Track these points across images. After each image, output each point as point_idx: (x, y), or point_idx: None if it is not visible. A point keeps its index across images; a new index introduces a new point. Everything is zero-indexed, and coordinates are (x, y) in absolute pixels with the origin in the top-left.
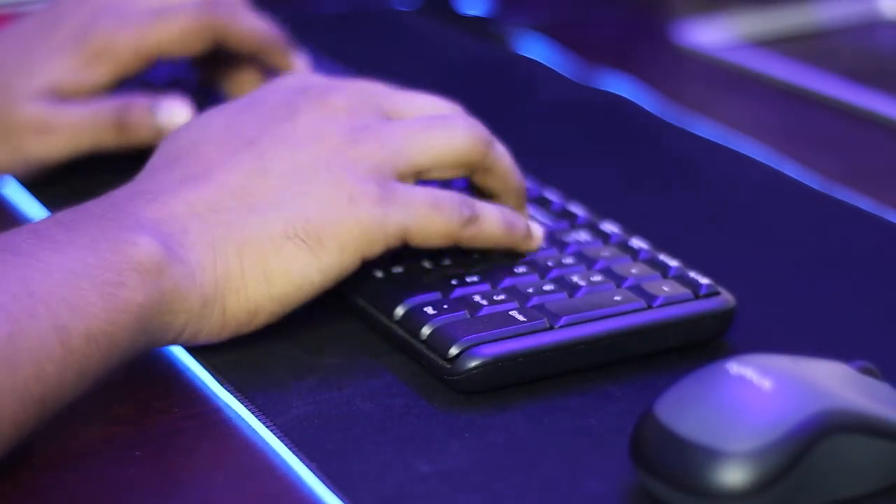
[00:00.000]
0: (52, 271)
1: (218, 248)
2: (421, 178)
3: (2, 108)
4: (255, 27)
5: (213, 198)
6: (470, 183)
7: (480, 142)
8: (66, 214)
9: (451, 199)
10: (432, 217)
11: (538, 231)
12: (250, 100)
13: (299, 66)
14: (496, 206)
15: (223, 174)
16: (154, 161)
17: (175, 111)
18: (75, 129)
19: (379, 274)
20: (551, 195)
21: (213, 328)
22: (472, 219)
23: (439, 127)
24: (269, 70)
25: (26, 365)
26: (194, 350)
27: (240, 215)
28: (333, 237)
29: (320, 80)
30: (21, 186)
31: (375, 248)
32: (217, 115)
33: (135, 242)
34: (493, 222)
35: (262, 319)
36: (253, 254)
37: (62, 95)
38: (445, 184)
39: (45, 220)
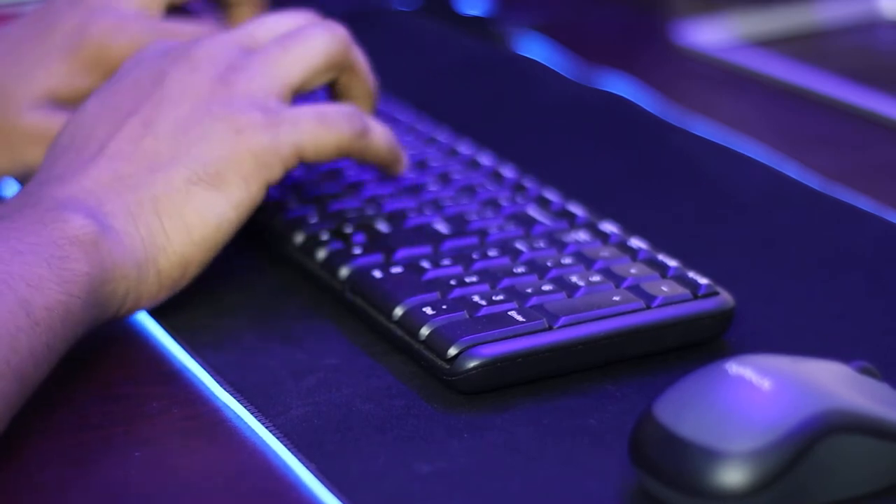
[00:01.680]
0: (2, 255)
1: (134, 212)
2: (300, 93)
3: (1, 116)
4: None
5: (113, 169)
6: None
7: (341, 41)
8: None
9: (339, 113)
10: (322, 131)
11: (405, 156)
12: (117, 77)
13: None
14: (381, 124)
15: (115, 146)
16: (47, 154)
17: None
18: None
19: (378, 274)
20: (551, 195)
21: (152, 290)
22: (364, 130)
23: (300, 39)
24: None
25: (3, 336)
26: (195, 350)
27: (143, 177)
28: (233, 171)
29: (178, 42)
30: (20, 186)
31: (275, 171)
32: (92, 100)
33: (65, 219)
34: (381, 135)
35: (193, 270)
36: (167, 208)
37: (58, 101)
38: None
39: None
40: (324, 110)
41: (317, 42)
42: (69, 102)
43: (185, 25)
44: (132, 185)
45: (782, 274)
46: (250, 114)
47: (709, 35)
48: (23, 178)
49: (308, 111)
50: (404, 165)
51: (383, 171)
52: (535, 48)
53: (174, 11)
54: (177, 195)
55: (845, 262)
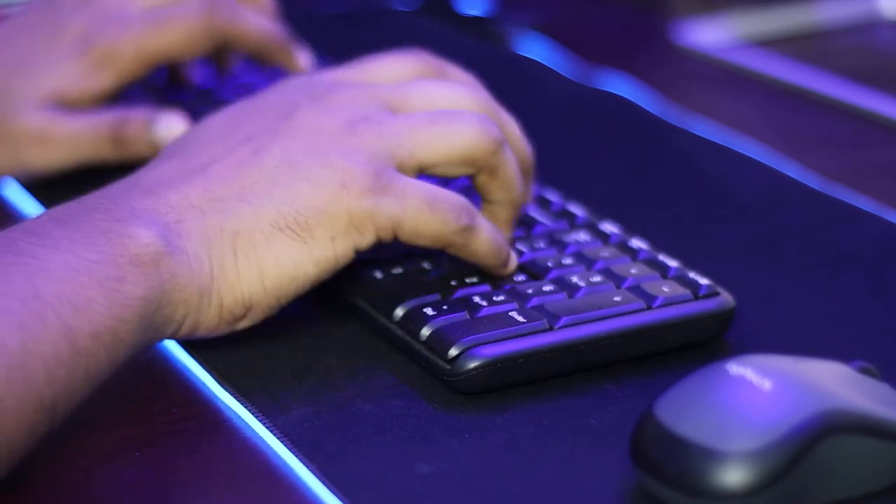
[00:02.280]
0: (53, 269)
1: (212, 238)
2: (424, 174)
3: (3, 114)
4: (257, 27)
5: (207, 189)
6: (471, 183)
7: (489, 141)
8: (59, 210)
9: (450, 201)
10: (427, 215)
11: (514, 260)
12: (252, 99)
13: (303, 63)
14: (491, 224)
15: (218, 167)
16: (154, 160)
17: (172, 125)
18: (74, 142)
19: (378, 275)
20: (551, 195)
21: (211, 321)
22: (468, 228)
23: (447, 122)
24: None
25: (39, 371)
26: (194, 350)
27: (232, 205)
28: (323, 226)
29: (325, 79)
30: (21, 187)
31: (366, 238)
32: (217, 115)
33: (131, 234)
34: (485, 238)
35: (258, 313)
36: (245, 245)
37: (66, 103)
38: (446, 182)
39: (38, 217)
40: (436, 194)
41: (464, 131)
42: (77, 103)
43: (185, 8)
44: (218, 210)
45: (782, 274)
46: (361, 172)
47: (709, 35)
48: (23, 179)
49: (419, 188)
50: (511, 269)
51: (486, 270)
52: (535, 48)
53: None
54: (259, 235)
55: (845, 262)
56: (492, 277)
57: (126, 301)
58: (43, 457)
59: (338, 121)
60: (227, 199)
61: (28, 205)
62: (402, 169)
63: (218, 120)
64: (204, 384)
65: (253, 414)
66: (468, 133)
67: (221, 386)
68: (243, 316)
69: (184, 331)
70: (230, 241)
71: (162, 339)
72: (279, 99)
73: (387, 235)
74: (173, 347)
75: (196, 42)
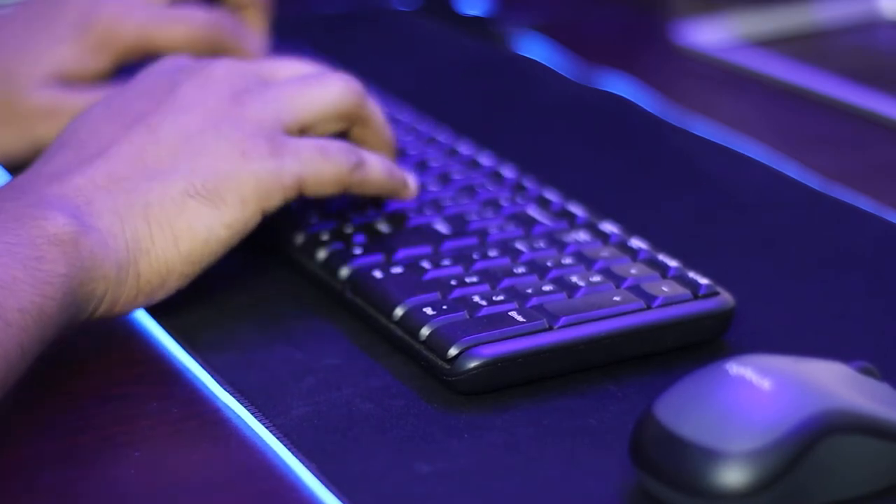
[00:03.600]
0: None
1: (124, 215)
2: (306, 134)
3: (8, 95)
4: (254, 50)
5: (111, 170)
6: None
7: (356, 93)
8: None
9: (338, 147)
10: (323, 164)
11: (413, 180)
12: (132, 82)
13: None
14: (378, 155)
15: (117, 148)
16: (50, 148)
17: None
18: None
19: (378, 274)
20: (551, 195)
21: (130, 294)
22: (359, 164)
23: (317, 82)
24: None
25: None
26: (195, 350)
27: (140, 183)
28: (233, 191)
29: (197, 60)
30: (4, 170)
31: (274, 199)
32: (100, 102)
33: (45, 217)
34: (377, 168)
35: (174, 281)
36: (158, 216)
37: (68, 81)
38: None
39: None
40: (324, 144)
41: (332, 88)
42: (76, 81)
43: (192, 12)
44: (126, 189)
45: (782, 274)
46: (257, 139)
47: (709, 35)
48: (6, 162)
49: (310, 144)
50: (412, 191)
51: (393, 198)
52: (535, 48)
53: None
54: (170, 204)
55: (845, 262)
56: (491, 277)
57: (48, 279)
58: (43, 457)
59: (221, 94)
60: (133, 178)
61: None
62: (287, 130)
63: (101, 106)
64: (203, 384)
65: (252, 414)
66: (337, 88)
67: (221, 386)
68: (160, 286)
69: (104, 307)
70: (142, 214)
71: (85, 316)
72: (156, 79)
73: (292, 195)
74: (174, 347)
75: (193, 45)
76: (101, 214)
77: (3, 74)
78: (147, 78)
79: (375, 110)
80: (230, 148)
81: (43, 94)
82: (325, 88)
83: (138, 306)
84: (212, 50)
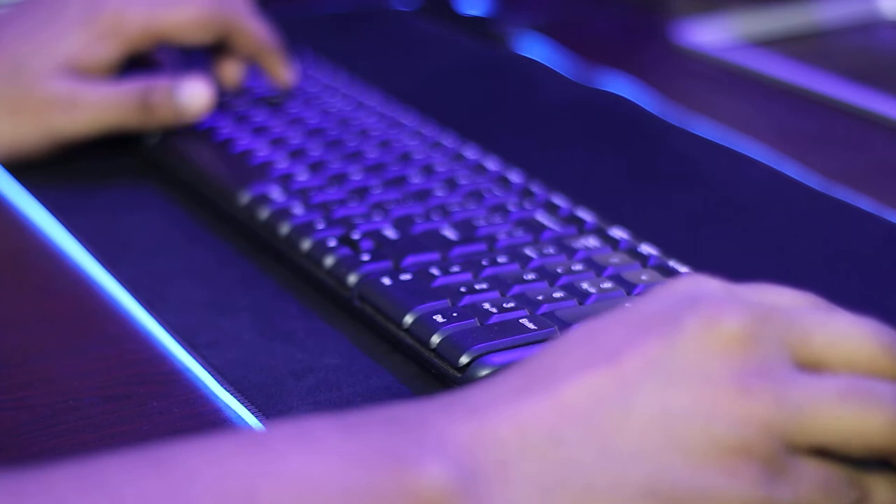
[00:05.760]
0: (297, 479)
1: (550, 497)
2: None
3: (21, 86)
4: (258, 28)
5: (551, 422)
6: None
7: None
8: (356, 415)
9: (840, 481)
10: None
11: None
12: (628, 306)
13: (287, 78)
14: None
15: (569, 390)
16: (495, 375)
17: (196, 92)
18: (102, 106)
19: (387, 281)
20: (559, 200)
21: None
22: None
23: (860, 400)
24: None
25: None
26: (195, 350)
27: (587, 454)
28: None
29: (715, 290)
30: (4, 171)
31: None
32: (585, 323)
33: (421, 465)
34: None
35: None
36: None
37: (80, 70)
38: None
39: (323, 416)
40: (829, 476)
41: (876, 417)
42: (87, 71)
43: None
44: (567, 460)
45: (782, 274)
46: (752, 454)
47: (709, 35)
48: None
49: (818, 476)
50: None
51: None
52: (535, 48)
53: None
54: (616, 501)
55: (845, 262)
56: (500, 283)
57: None
58: (43, 456)
59: (729, 367)
60: (579, 444)
61: (11, 189)
62: (791, 448)
63: (582, 327)
64: (203, 383)
65: (252, 413)
66: (881, 419)
67: (221, 386)
68: None
69: None
70: (573, 501)
71: None
72: (656, 308)
73: None
74: (174, 347)
75: (201, 28)
76: (514, 485)
77: (15, 66)
78: (645, 303)
79: None
80: (716, 455)
81: (58, 84)
82: (866, 415)
83: None
84: (220, 29)
